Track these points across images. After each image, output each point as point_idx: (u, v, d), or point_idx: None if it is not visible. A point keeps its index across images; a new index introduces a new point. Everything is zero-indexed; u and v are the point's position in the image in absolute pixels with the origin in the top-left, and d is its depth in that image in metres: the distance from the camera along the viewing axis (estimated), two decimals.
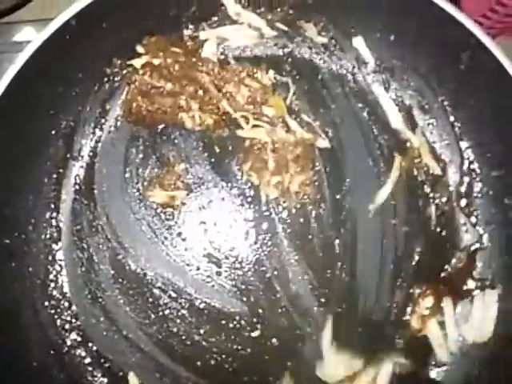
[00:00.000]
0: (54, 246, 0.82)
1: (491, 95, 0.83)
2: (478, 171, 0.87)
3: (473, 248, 0.86)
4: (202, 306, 0.81)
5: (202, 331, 0.80)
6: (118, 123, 0.86)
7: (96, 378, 0.79)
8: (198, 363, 0.80)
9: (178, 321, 0.81)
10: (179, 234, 0.83)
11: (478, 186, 0.87)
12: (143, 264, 0.82)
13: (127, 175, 0.85)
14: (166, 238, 0.83)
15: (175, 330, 0.80)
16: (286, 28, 0.90)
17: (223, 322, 0.81)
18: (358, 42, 0.90)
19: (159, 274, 0.82)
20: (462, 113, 0.88)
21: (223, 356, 0.80)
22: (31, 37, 0.94)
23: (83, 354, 0.80)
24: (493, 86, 0.82)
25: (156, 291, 0.82)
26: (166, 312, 0.81)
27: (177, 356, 0.80)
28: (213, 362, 0.80)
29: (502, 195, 0.85)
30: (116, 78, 0.86)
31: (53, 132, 0.82)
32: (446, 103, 0.89)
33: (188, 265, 0.82)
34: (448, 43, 0.84)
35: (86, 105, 0.85)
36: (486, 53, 0.79)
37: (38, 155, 0.81)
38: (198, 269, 0.82)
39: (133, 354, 0.80)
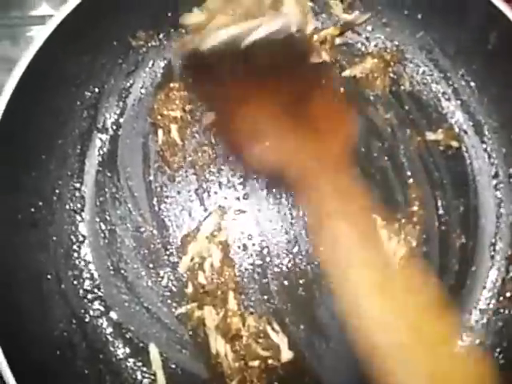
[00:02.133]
0: (77, 216, 0.82)
1: None
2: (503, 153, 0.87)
3: None
4: None
5: None
6: (142, 96, 0.86)
7: (117, 348, 0.80)
8: None
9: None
10: None
11: (502, 170, 0.87)
12: (164, 237, 0.83)
13: (150, 149, 0.85)
14: None
15: None
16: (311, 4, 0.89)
17: None
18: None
19: (181, 247, 0.82)
20: (487, 94, 0.87)
21: None
22: (49, 11, 0.93)
23: (105, 324, 0.80)
24: None
25: (178, 264, 0.82)
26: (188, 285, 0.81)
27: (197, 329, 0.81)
28: None
29: None
30: (141, 51, 0.86)
31: (78, 103, 0.82)
32: (472, 84, 0.88)
33: None
34: (476, 22, 0.83)
35: (110, 76, 0.84)
36: None
37: (63, 126, 0.81)
38: None
39: (153, 326, 0.80)
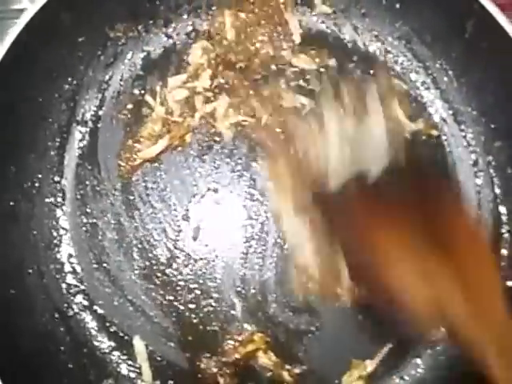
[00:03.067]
0: (57, 210, 0.82)
1: (495, 64, 0.83)
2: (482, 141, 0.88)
3: None
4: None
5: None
6: (122, 88, 0.85)
7: (102, 342, 0.79)
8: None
9: (183, 285, 0.81)
10: None
11: (481, 157, 0.88)
12: (148, 230, 0.82)
13: (130, 142, 0.84)
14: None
15: (180, 295, 0.81)
16: None
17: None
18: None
19: (164, 239, 0.82)
20: (466, 82, 0.88)
21: None
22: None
23: (89, 317, 0.79)
24: (497, 55, 0.82)
25: (161, 257, 0.82)
26: (171, 277, 0.81)
27: (182, 321, 0.80)
28: None
29: (505, 166, 0.85)
30: (119, 42, 0.85)
31: (56, 95, 0.82)
32: (450, 73, 0.89)
33: None
34: (452, 11, 0.84)
35: (89, 68, 0.84)
36: (491, 20, 0.79)
37: (42, 118, 0.81)
38: None
39: (138, 319, 0.80)
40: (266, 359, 0.78)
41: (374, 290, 0.67)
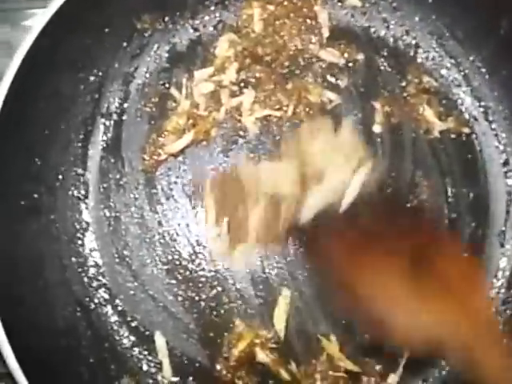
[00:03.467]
0: (81, 203, 0.81)
1: None
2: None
3: None
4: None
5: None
6: (147, 81, 0.84)
7: (123, 337, 0.79)
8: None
9: (205, 281, 0.80)
10: None
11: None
12: (171, 225, 0.81)
13: (154, 135, 0.83)
14: None
15: (202, 291, 0.80)
16: None
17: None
18: None
19: (187, 234, 0.81)
20: (498, 81, 0.86)
21: None
22: None
23: (110, 312, 0.79)
24: None
25: (184, 253, 0.81)
26: (193, 273, 0.80)
27: (203, 318, 0.79)
28: None
29: None
30: (146, 34, 0.84)
31: (81, 87, 0.80)
32: (482, 70, 0.87)
33: None
34: (488, 7, 0.82)
35: (114, 60, 0.83)
36: None
37: (66, 110, 0.80)
38: None
39: (159, 314, 0.79)
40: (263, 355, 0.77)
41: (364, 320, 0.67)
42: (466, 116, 0.87)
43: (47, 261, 0.77)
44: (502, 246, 0.84)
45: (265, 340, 0.77)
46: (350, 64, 0.86)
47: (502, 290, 0.83)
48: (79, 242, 0.80)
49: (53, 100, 0.77)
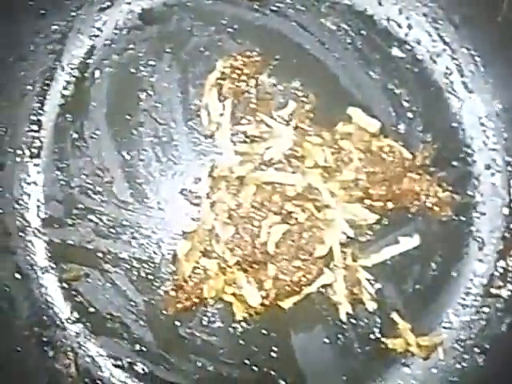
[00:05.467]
0: (30, 163, 0.75)
1: None
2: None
3: None
4: None
5: None
6: (115, 37, 0.78)
7: (61, 312, 0.73)
8: None
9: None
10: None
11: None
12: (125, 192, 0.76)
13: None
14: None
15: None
16: None
17: None
18: None
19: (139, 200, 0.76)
20: (494, 69, 0.81)
21: None
22: None
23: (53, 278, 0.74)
24: None
25: (134, 220, 0.75)
26: (147, 248, 0.75)
27: None
28: None
29: None
30: None
31: (42, 35, 0.75)
32: (477, 59, 0.81)
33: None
34: None
35: (81, 9, 0.77)
36: None
37: (22, 58, 0.74)
38: None
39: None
40: None
41: None
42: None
43: None
44: (481, 249, 0.79)
45: None
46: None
47: (478, 298, 0.78)
48: (23, 204, 0.74)
49: (9, 45, 0.72)
